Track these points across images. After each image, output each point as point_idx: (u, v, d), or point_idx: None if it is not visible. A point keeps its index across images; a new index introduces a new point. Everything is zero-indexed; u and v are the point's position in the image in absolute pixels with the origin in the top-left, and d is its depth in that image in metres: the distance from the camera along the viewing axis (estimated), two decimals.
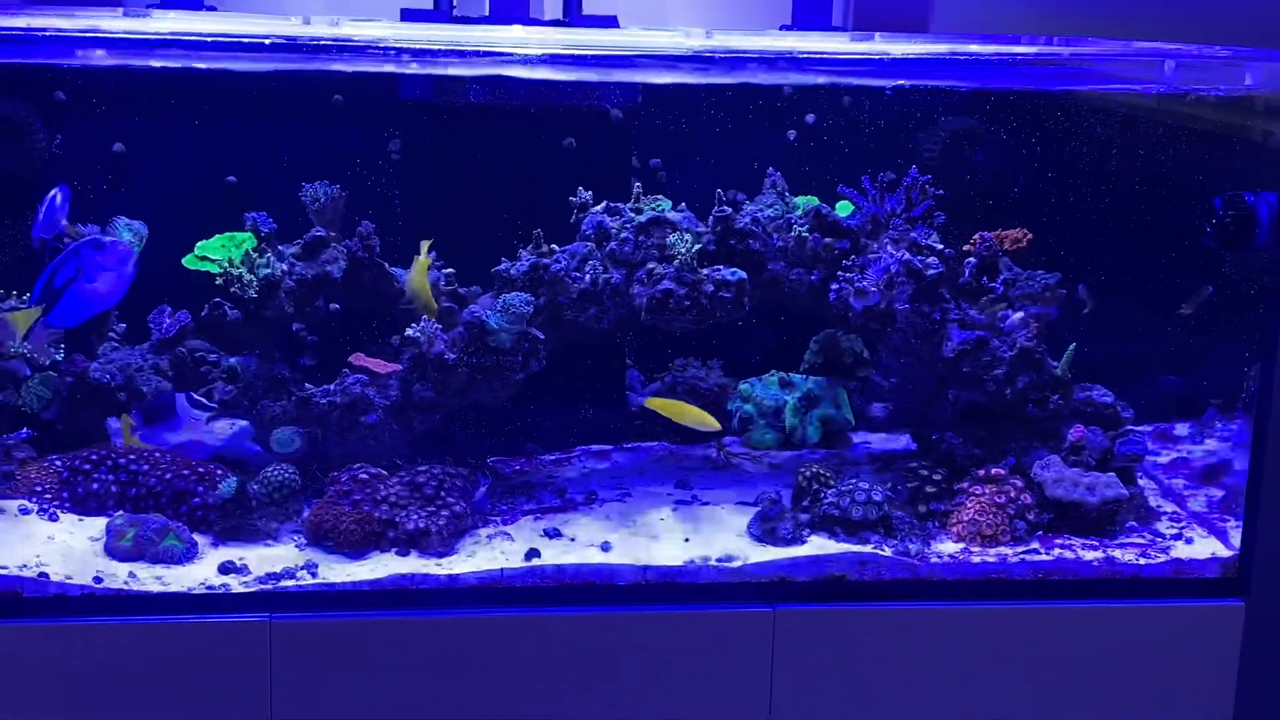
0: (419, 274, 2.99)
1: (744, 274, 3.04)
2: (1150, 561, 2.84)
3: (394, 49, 2.77)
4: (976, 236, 3.13)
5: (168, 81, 3.07)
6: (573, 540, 2.86)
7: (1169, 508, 3.08)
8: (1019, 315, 2.96)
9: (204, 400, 2.84)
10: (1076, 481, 2.90)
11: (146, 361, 3.07)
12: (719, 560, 2.79)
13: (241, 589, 2.65)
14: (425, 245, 2.99)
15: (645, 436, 3.40)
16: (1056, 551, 2.85)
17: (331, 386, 2.98)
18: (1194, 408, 3.38)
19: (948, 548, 2.86)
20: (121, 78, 3.05)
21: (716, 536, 2.90)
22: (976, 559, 2.82)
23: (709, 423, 2.91)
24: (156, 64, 2.83)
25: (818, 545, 2.83)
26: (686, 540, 2.88)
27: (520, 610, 2.69)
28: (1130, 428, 3.01)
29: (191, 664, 2.59)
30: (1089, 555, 2.84)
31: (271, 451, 2.94)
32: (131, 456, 2.85)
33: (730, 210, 3.11)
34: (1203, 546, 2.91)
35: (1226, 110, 2.99)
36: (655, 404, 2.93)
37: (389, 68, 2.90)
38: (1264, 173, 2.83)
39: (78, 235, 2.94)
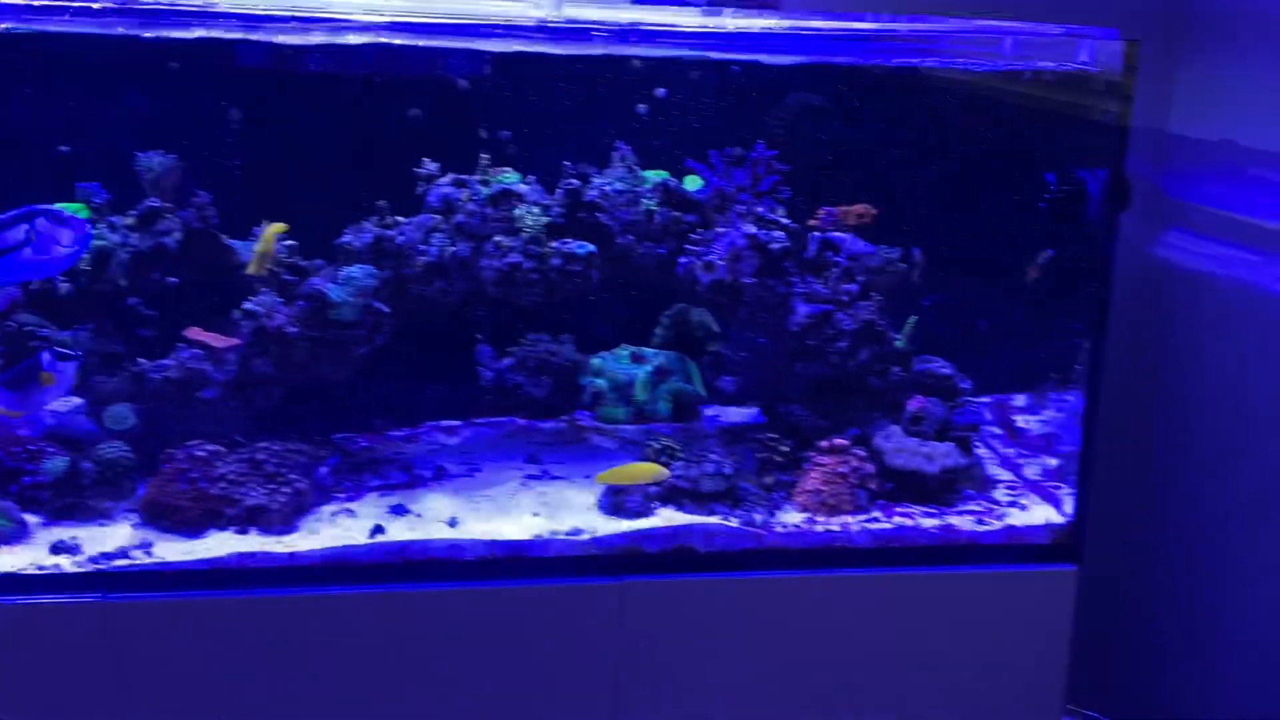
0: (268, 237, 2.92)
1: (593, 247, 3.04)
2: (986, 529, 2.91)
3: (231, 14, 2.70)
4: (821, 211, 3.17)
5: None
6: (419, 516, 2.83)
7: (1005, 476, 3.16)
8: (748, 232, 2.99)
9: (68, 351, 2.75)
10: (916, 451, 2.97)
11: None
12: (568, 534, 2.79)
13: (74, 569, 2.58)
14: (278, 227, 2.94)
15: (496, 411, 3.38)
16: (897, 520, 2.91)
17: (167, 361, 2.90)
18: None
19: (793, 517, 2.90)
20: None
21: (566, 510, 2.89)
22: (820, 528, 2.86)
23: (660, 473, 2.89)
24: None
25: (666, 517, 2.85)
26: (536, 514, 2.87)
27: (365, 588, 2.66)
28: (968, 399, 3.08)
29: (23, 646, 2.51)
30: (928, 523, 2.90)
31: (105, 428, 2.86)
32: None
33: (579, 183, 3.10)
34: (1037, 514, 2.99)
35: (1061, 88, 3.06)
36: (607, 478, 2.91)
37: (226, 34, 2.82)
38: (1095, 148, 2.90)
39: None
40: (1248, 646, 3.29)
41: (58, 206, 2.75)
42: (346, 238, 3.03)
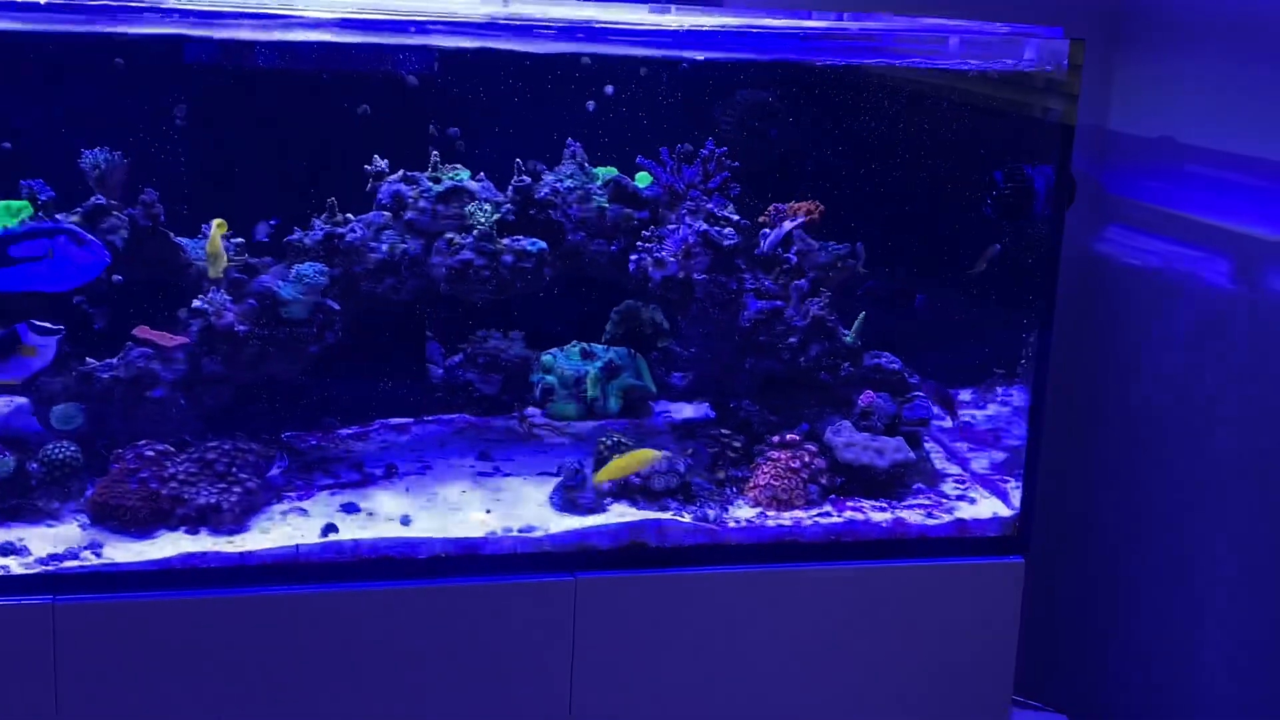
0: (215, 238, 2.90)
1: (544, 244, 3.04)
2: (936, 522, 2.95)
3: (179, 10, 2.68)
4: (771, 208, 3.19)
5: None
6: (371, 515, 2.82)
7: (953, 470, 3.20)
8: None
9: (47, 325, 2.72)
10: (866, 445, 2.99)
11: None
12: (520, 530, 2.79)
13: (22, 570, 2.55)
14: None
15: (446, 409, 3.38)
16: (848, 514, 2.93)
17: (114, 360, 2.87)
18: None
19: (745, 512, 2.92)
20: None
21: (518, 507, 2.89)
22: (772, 523, 2.88)
23: (655, 456, 2.90)
24: None
25: (619, 513, 2.86)
26: (488, 511, 2.87)
27: (317, 587, 2.65)
28: (916, 393, 3.11)
29: None
30: (878, 517, 2.93)
31: (52, 428, 2.83)
32: None
33: (530, 180, 3.10)
34: (985, 507, 3.03)
35: (1007, 86, 3.10)
36: (604, 477, 2.90)
37: (174, 30, 2.80)
38: (1041, 146, 2.94)
39: None
40: (1193, 637, 3.35)
41: (78, 227, 2.75)
42: (296, 235, 3.01)
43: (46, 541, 2.63)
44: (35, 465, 2.72)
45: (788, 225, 3.14)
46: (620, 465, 2.88)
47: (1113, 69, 3.59)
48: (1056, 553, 3.73)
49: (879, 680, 2.90)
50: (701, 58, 3.32)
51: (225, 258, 2.89)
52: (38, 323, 2.72)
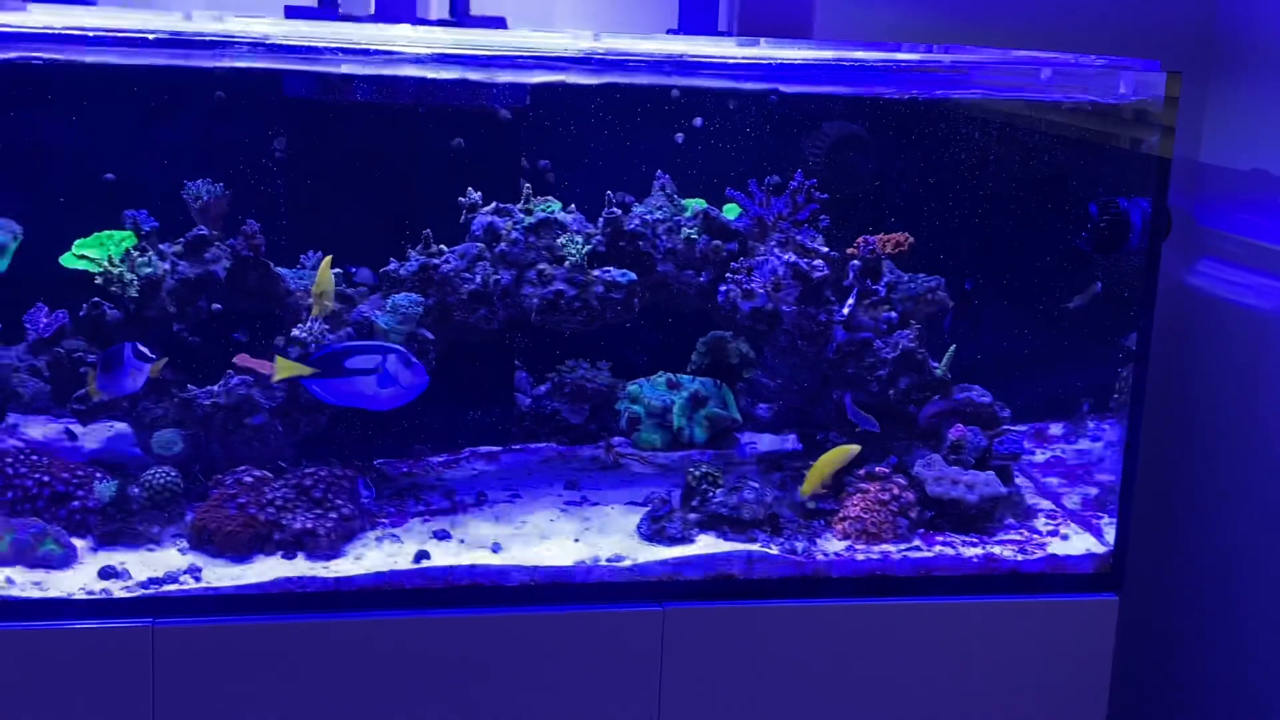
0: (324, 277, 2.94)
1: (634, 275, 3.06)
2: (1028, 558, 2.91)
3: (281, 46, 2.74)
4: (860, 240, 3.19)
5: (45, 76, 2.99)
6: (462, 542, 2.85)
7: (1045, 505, 3.17)
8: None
9: (147, 352, 2.77)
10: (956, 480, 2.97)
11: (22, 362, 2.99)
12: (609, 560, 2.80)
13: (123, 594, 2.59)
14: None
15: (533, 438, 3.40)
16: (938, 548, 2.91)
17: (215, 388, 2.92)
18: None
19: (833, 545, 2.91)
20: None
21: (606, 536, 2.91)
22: (861, 556, 2.87)
23: (850, 451, 2.94)
24: (33, 58, 2.76)
25: (707, 544, 2.86)
26: (576, 540, 2.89)
27: (410, 613, 2.68)
28: (1007, 427, 3.09)
29: (71, 671, 2.53)
30: (969, 552, 2.91)
31: (152, 454, 2.88)
32: (8, 459, 2.77)
33: (620, 212, 3.12)
34: (1078, 543, 3.00)
35: (1100, 118, 3.08)
36: (811, 486, 2.94)
37: (276, 65, 2.86)
38: (1136, 179, 2.92)
39: None
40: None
41: (408, 351, 2.86)
42: (392, 266, 3.05)
43: (147, 565, 2.68)
44: (137, 490, 2.77)
45: (850, 302, 3.11)
46: (820, 469, 2.91)
47: (1204, 100, 3.56)
48: (1145, 590, 3.67)
49: (968, 717, 2.87)
50: (790, 90, 3.33)
51: (330, 294, 2.93)
52: (141, 347, 2.78)
